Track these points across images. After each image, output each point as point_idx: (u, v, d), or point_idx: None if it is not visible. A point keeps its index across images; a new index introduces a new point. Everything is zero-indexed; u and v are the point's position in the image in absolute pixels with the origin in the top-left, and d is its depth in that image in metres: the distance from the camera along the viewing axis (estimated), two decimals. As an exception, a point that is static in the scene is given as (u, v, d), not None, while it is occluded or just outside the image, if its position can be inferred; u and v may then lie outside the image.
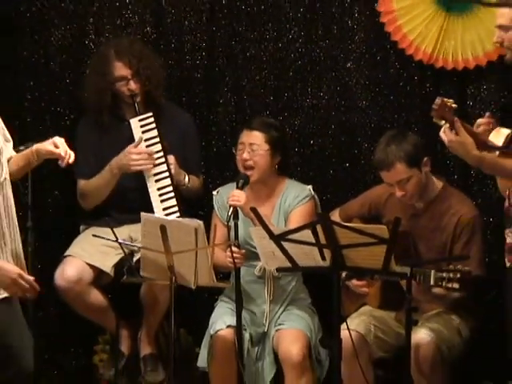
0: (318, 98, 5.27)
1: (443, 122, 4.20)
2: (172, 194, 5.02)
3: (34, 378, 4.64)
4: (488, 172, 4.46)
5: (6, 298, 4.05)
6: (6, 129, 4.21)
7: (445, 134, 4.18)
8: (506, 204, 4.41)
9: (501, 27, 4.28)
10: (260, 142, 4.90)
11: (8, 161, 4.19)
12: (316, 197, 5.02)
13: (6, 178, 4.13)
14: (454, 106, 4.20)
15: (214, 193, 5.07)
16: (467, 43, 5.01)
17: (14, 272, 3.95)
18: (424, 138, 4.82)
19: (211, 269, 4.53)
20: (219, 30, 5.34)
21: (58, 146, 4.22)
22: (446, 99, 4.21)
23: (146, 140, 5.03)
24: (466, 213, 4.70)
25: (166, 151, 5.02)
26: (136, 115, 5.04)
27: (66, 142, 4.99)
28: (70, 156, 4.24)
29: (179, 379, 4.73)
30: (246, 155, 4.88)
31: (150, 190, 5.02)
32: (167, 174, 5.02)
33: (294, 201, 4.98)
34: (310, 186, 5.02)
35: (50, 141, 4.27)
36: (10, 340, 4.17)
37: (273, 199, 5.01)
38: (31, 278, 3.99)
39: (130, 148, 4.98)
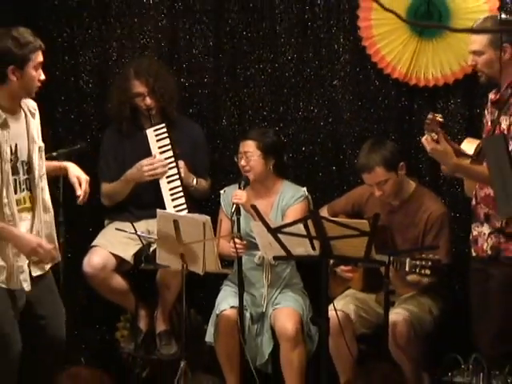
0: (309, 111, 5.24)
1: (433, 134, 4.21)
2: (181, 194, 5.00)
3: (66, 352, 4.69)
4: (463, 176, 4.46)
5: (40, 275, 4.08)
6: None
7: (427, 143, 4.17)
8: (473, 202, 4.41)
9: (474, 52, 4.28)
10: (253, 150, 4.91)
11: None
12: (309, 197, 5.03)
13: (44, 173, 4.17)
14: (441, 120, 4.22)
15: (222, 192, 5.08)
16: (437, 63, 4.98)
17: (34, 241, 3.97)
18: (400, 145, 4.83)
19: (217, 257, 4.56)
20: (223, 53, 5.31)
21: (81, 185, 4.27)
22: (435, 114, 4.22)
23: (159, 147, 5.01)
24: (435, 210, 4.72)
25: (176, 157, 5.00)
26: (151, 126, 5.03)
27: (91, 148, 5.09)
28: (85, 197, 4.29)
29: (189, 352, 4.74)
30: (243, 162, 4.92)
31: (162, 190, 5.00)
32: (177, 176, 5.00)
33: (290, 200, 4.99)
34: (304, 188, 5.02)
35: (79, 175, 4.30)
36: (45, 312, 4.18)
37: (271, 198, 5.01)
38: (50, 247, 4.02)
39: (142, 162, 4.98)
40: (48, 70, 5.05)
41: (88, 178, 4.34)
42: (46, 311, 4.20)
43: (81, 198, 4.27)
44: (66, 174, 4.36)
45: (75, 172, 4.33)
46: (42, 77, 4.05)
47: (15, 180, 4.03)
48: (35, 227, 4.09)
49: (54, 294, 4.28)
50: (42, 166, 4.16)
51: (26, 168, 4.09)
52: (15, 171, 4.04)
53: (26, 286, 4.03)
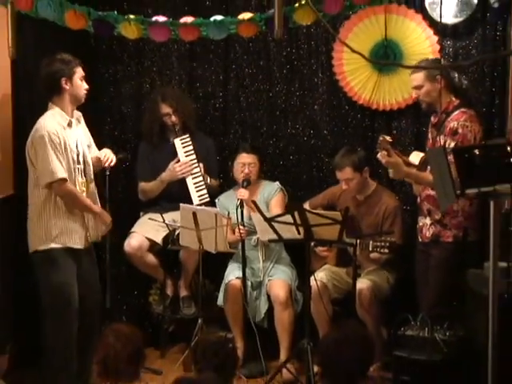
0: (295, 129, 5.21)
1: (384, 152, 4.22)
2: (204, 187, 4.97)
3: (110, 311, 4.69)
4: (412, 181, 4.46)
5: (80, 248, 4.12)
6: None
7: (382, 157, 4.20)
8: (419, 200, 4.46)
9: (415, 87, 4.32)
10: (255, 161, 4.96)
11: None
12: (283, 188, 5.03)
13: (91, 164, 4.26)
14: (390, 140, 4.23)
15: (216, 200, 5.06)
16: (392, 93, 4.95)
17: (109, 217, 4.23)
18: (367, 155, 4.81)
19: (226, 240, 4.58)
20: (230, 84, 5.27)
21: (105, 155, 4.40)
22: (385, 136, 4.24)
23: (185, 152, 4.97)
24: (391, 203, 4.74)
25: (198, 160, 4.98)
26: (177, 137, 5.01)
27: (130, 157, 5.09)
28: (110, 163, 4.42)
29: (205, 312, 4.77)
30: (247, 171, 4.93)
31: (188, 184, 4.96)
32: (200, 174, 4.97)
33: (270, 193, 5.00)
34: (277, 182, 5.04)
35: (107, 151, 4.43)
36: (87, 279, 4.20)
37: (257, 193, 4.99)
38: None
39: (172, 165, 4.96)
40: (97, 97, 5.12)
41: (114, 156, 4.45)
42: (88, 278, 4.24)
43: (107, 163, 4.39)
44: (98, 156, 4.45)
45: (105, 151, 4.44)
46: (86, 86, 4.20)
47: (78, 169, 4.13)
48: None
49: (93, 263, 4.31)
50: (89, 158, 4.30)
51: (82, 159, 4.18)
52: (78, 161, 4.15)
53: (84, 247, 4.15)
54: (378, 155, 4.22)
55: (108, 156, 4.40)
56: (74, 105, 4.17)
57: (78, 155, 4.14)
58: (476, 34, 4.81)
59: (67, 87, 4.08)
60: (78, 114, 4.21)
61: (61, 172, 3.97)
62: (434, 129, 4.33)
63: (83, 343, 4.11)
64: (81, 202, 4.10)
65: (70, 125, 4.11)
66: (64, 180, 3.98)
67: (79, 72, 4.13)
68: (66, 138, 4.05)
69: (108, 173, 4.52)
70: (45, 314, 4.09)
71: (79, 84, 4.13)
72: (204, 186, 4.98)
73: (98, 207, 4.22)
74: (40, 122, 4.03)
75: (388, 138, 4.20)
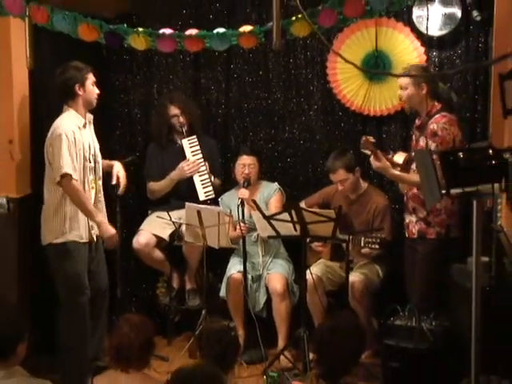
0: (293, 133, 5.21)
1: (367, 151, 4.24)
2: (209, 184, 4.97)
3: (120, 303, 4.70)
4: (398, 181, 4.49)
5: (87, 241, 4.19)
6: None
7: (372, 162, 4.23)
8: (405, 199, 4.47)
9: (401, 87, 4.33)
10: (254, 163, 4.96)
11: None
12: (281, 188, 5.03)
13: (100, 163, 4.35)
14: (372, 140, 4.24)
15: (219, 199, 5.05)
16: (382, 100, 4.95)
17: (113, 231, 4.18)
18: (356, 157, 4.82)
19: (228, 236, 4.59)
20: (232, 93, 5.27)
21: (119, 178, 4.46)
22: (368, 137, 4.26)
23: (192, 152, 4.98)
24: (381, 202, 4.75)
25: (204, 159, 4.99)
26: (185, 137, 5.01)
27: (139, 159, 5.09)
28: (124, 188, 4.50)
29: (208, 304, 4.79)
30: (247, 172, 4.93)
31: (195, 182, 4.96)
32: (206, 171, 4.98)
33: (269, 193, 5.00)
34: (276, 183, 5.04)
35: (119, 171, 4.49)
36: (94, 268, 4.29)
37: (257, 193, 4.99)
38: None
39: (182, 164, 4.95)
40: (108, 103, 5.12)
41: (125, 174, 4.50)
42: (96, 268, 4.32)
43: (121, 188, 4.45)
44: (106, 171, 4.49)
45: (118, 168, 4.51)
46: (97, 91, 4.29)
47: (89, 167, 4.21)
48: (96, 199, 4.25)
49: (100, 255, 4.36)
50: (100, 157, 4.36)
51: (93, 159, 4.25)
52: (89, 160, 4.22)
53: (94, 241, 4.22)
54: (371, 159, 4.23)
55: (119, 175, 4.46)
56: (87, 108, 4.27)
57: (89, 154, 4.21)
58: (460, 46, 4.83)
59: (80, 92, 4.18)
60: (90, 116, 4.31)
61: (67, 167, 4.02)
62: (417, 130, 4.36)
63: (93, 327, 4.22)
64: (83, 203, 4.10)
65: (84, 126, 4.21)
66: (70, 176, 4.02)
67: (91, 78, 4.24)
68: (81, 138, 4.14)
69: (119, 193, 4.52)
70: (59, 301, 4.16)
71: (91, 89, 4.23)
72: (210, 183, 4.98)
73: (100, 216, 4.16)
74: (57, 122, 4.13)
75: (370, 139, 4.22)
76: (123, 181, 4.49)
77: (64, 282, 4.12)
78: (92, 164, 4.23)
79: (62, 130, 4.05)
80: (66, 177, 4.02)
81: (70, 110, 4.17)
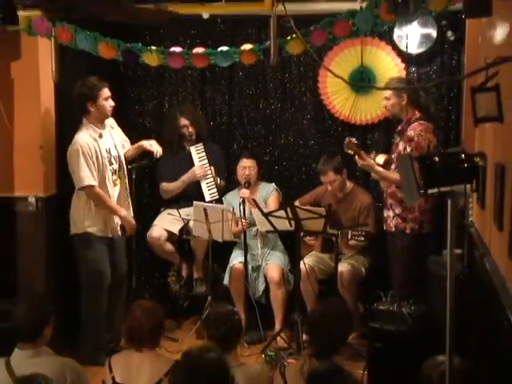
0: (288, 140, 5.20)
1: (350, 151, 4.24)
2: (214, 186, 4.96)
3: (135, 290, 4.70)
4: (380, 178, 4.46)
5: (109, 237, 4.29)
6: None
7: (358, 162, 4.24)
8: (384, 195, 4.47)
9: (385, 98, 4.36)
10: (253, 165, 4.95)
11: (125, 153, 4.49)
12: (278, 188, 5.01)
13: (124, 163, 4.40)
14: (355, 141, 4.25)
15: (223, 198, 5.03)
16: (367, 110, 4.95)
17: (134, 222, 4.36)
18: (344, 159, 4.77)
19: (231, 231, 4.59)
20: (234, 104, 5.25)
21: (151, 145, 4.54)
22: (351, 138, 4.26)
23: (199, 157, 4.97)
24: (365, 200, 4.74)
25: (210, 164, 4.98)
26: (193, 145, 5.00)
27: (152, 163, 5.07)
28: (158, 151, 4.56)
29: (213, 291, 4.79)
30: (247, 173, 4.91)
31: (201, 184, 4.95)
32: (211, 175, 4.97)
33: (267, 193, 4.98)
34: (273, 184, 5.02)
35: (148, 142, 4.56)
36: (116, 260, 4.38)
37: (256, 192, 4.97)
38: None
39: (194, 169, 4.93)
40: (124, 115, 5.10)
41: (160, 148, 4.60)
42: (117, 259, 4.41)
43: (158, 153, 4.55)
44: (142, 150, 4.58)
45: (145, 142, 4.58)
46: (112, 104, 4.30)
47: (111, 169, 4.28)
48: (120, 196, 4.36)
49: (120, 247, 4.45)
50: (123, 159, 4.42)
51: (116, 160, 4.30)
52: (111, 163, 4.28)
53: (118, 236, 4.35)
54: (356, 159, 4.23)
55: (151, 143, 4.53)
56: (102, 120, 4.29)
57: (111, 157, 4.26)
58: (436, 62, 4.85)
59: (92, 109, 4.21)
60: (110, 121, 4.32)
61: (88, 179, 4.11)
62: (398, 135, 4.38)
63: (111, 310, 4.32)
64: (107, 205, 4.24)
65: (100, 136, 4.22)
66: (91, 186, 4.13)
67: (103, 94, 4.22)
68: (97, 148, 4.18)
69: (134, 176, 4.56)
70: (81, 286, 4.30)
71: (103, 104, 4.22)
72: (214, 186, 4.97)
73: (123, 211, 4.32)
74: (75, 137, 4.18)
75: (353, 140, 4.22)
76: (156, 146, 4.55)
77: (85, 267, 4.26)
78: (115, 165, 4.30)
79: (78, 144, 4.12)
80: (86, 187, 4.14)
81: (87, 122, 4.23)
